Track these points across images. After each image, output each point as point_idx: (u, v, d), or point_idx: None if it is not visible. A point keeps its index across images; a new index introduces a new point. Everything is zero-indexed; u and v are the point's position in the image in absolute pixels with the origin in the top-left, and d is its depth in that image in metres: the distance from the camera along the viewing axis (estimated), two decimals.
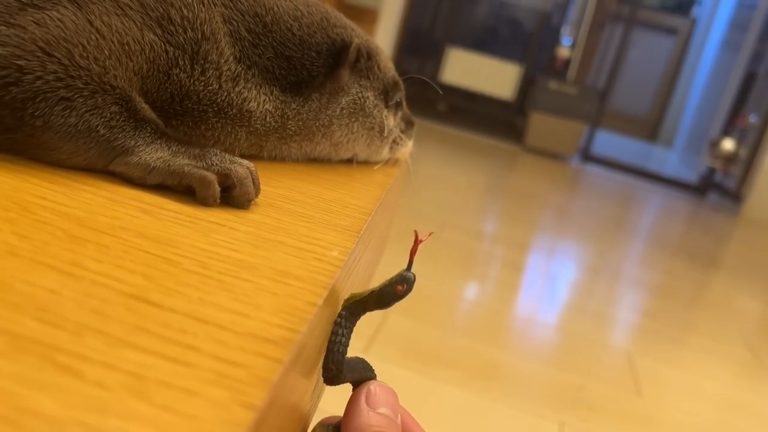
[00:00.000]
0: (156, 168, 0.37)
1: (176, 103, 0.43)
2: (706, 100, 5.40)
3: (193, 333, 0.23)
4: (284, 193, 0.42)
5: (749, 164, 3.99)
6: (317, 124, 0.49)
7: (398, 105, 0.56)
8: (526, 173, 3.83)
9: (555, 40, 4.57)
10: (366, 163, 0.55)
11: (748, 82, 4.43)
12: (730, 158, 4.14)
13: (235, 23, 0.46)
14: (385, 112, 0.54)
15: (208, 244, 0.30)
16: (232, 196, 0.37)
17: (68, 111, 0.36)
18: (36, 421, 0.17)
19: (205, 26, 0.44)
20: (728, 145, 4.15)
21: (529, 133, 4.27)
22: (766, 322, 2.17)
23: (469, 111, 4.56)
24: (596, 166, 4.36)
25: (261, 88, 0.47)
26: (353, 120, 0.51)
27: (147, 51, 0.41)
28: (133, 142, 0.38)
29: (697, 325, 1.97)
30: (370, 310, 0.31)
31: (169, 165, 0.37)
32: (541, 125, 4.22)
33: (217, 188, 0.37)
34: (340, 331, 0.30)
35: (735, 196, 4.03)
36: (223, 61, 0.44)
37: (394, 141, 0.56)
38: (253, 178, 0.38)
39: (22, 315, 0.21)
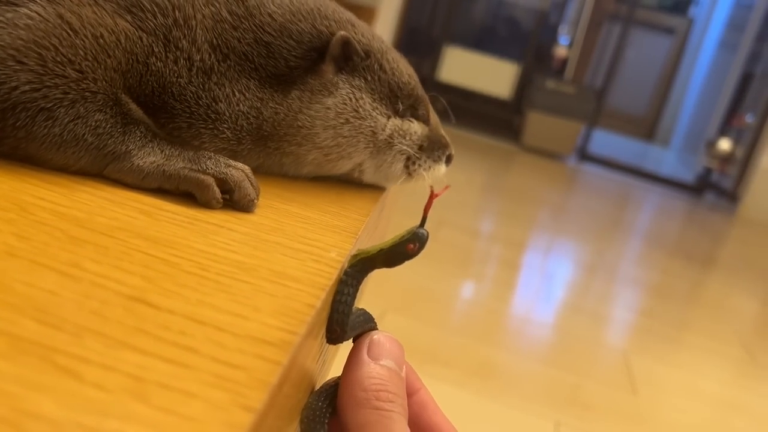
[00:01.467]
0: (151, 173, 0.36)
1: (156, 97, 0.41)
2: (703, 99, 5.41)
3: (192, 335, 0.23)
4: (282, 194, 0.42)
5: (746, 164, 4.00)
6: (297, 124, 0.44)
7: (418, 117, 0.50)
8: (523, 172, 3.83)
9: (553, 40, 4.58)
10: (378, 184, 0.50)
11: (745, 82, 4.43)
12: (726, 158, 4.15)
13: (217, 5, 0.43)
14: (394, 120, 0.48)
15: (207, 246, 0.31)
16: (233, 200, 0.37)
17: (50, 121, 0.35)
18: (36, 423, 0.17)
19: (177, 12, 0.41)
20: (725, 145, 4.16)
21: (526, 132, 4.27)
22: (762, 322, 2.18)
23: (466, 110, 4.56)
24: (593, 166, 4.36)
25: (236, 83, 0.42)
26: (342, 122, 0.45)
27: (123, 41, 0.38)
28: (124, 148, 0.37)
29: (693, 324, 1.97)
30: (378, 267, 0.29)
31: (164, 170, 0.36)
32: (538, 124, 4.22)
33: (217, 190, 0.36)
34: (345, 290, 0.29)
35: (731, 196, 4.04)
36: (194, 49, 0.41)
37: (409, 160, 0.49)
38: (250, 180, 0.37)
39: (21, 316, 0.22)
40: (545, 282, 2.08)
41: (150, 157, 0.37)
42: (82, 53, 0.36)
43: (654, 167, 4.71)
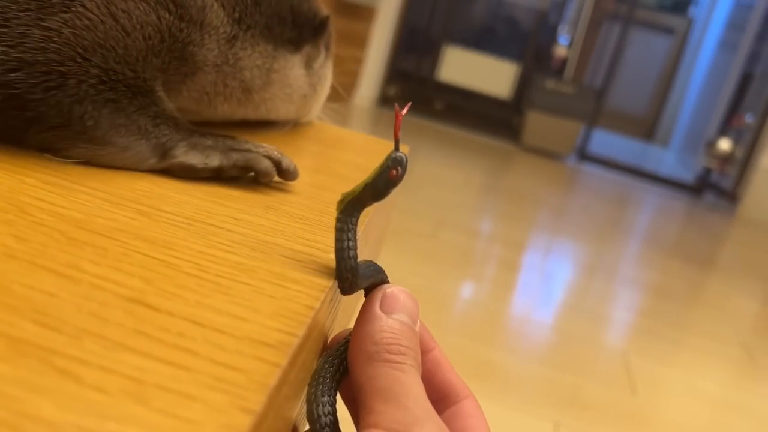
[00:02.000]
0: (210, 155, 0.40)
1: (189, 80, 0.46)
2: (703, 99, 5.41)
3: (191, 337, 0.23)
4: (281, 194, 0.42)
5: (745, 164, 4.00)
6: (296, 79, 0.54)
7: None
8: (522, 172, 3.83)
9: (552, 39, 4.58)
10: (304, 118, 0.61)
11: (745, 82, 4.43)
12: (726, 158, 4.15)
13: None
14: (331, 76, 0.61)
15: (206, 247, 0.31)
16: (282, 169, 0.42)
17: (117, 112, 0.38)
18: (35, 425, 0.17)
19: None
20: (725, 145, 4.16)
21: (525, 131, 4.27)
22: (761, 322, 2.18)
23: (466, 109, 4.56)
24: (593, 166, 4.36)
25: (258, 46, 0.50)
26: (319, 84, 0.58)
27: (167, 38, 0.42)
28: (179, 136, 0.40)
29: (692, 324, 1.98)
30: (369, 204, 0.29)
31: (219, 152, 0.41)
32: (537, 124, 4.22)
33: (270, 162, 0.41)
34: (344, 236, 0.28)
35: (731, 196, 4.04)
36: (220, 24, 0.46)
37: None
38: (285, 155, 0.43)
39: (20, 318, 0.22)
40: (545, 282, 2.08)
41: (201, 144, 0.41)
42: (134, 54, 0.39)
43: (653, 167, 4.71)
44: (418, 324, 0.28)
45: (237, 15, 0.47)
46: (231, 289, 0.27)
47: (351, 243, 0.28)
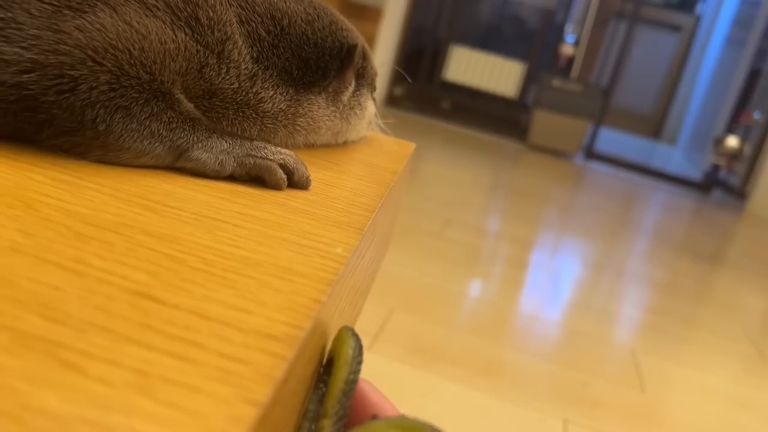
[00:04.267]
0: (224, 161, 0.40)
1: (206, 100, 0.45)
2: (710, 97, 5.39)
3: (197, 330, 0.23)
4: (288, 190, 0.42)
5: (753, 161, 3.98)
6: (324, 119, 0.53)
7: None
8: (529, 171, 3.82)
9: (559, 38, 4.57)
10: (346, 142, 0.60)
11: (753, 79, 4.41)
12: (734, 155, 4.13)
13: (253, 24, 0.47)
14: (371, 101, 0.59)
15: (212, 241, 0.30)
16: (293, 181, 0.42)
17: (128, 118, 0.38)
18: (40, 418, 0.17)
19: (227, 27, 0.45)
20: (732, 142, 4.14)
21: (532, 130, 4.27)
22: None
23: (472, 109, 4.56)
24: (600, 164, 4.35)
25: (278, 87, 0.49)
26: (353, 114, 0.56)
27: (183, 50, 0.42)
28: (195, 138, 0.40)
29: (701, 322, 1.97)
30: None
31: (234, 158, 0.41)
32: (544, 123, 4.21)
33: (282, 173, 0.41)
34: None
35: (739, 194, 4.02)
36: (242, 60, 0.46)
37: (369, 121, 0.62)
38: (301, 163, 0.43)
39: (26, 312, 0.21)
40: (552, 280, 2.07)
41: (218, 147, 0.41)
42: (151, 56, 0.39)
43: (661, 165, 4.69)
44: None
45: (255, 54, 0.47)
46: (237, 283, 0.27)
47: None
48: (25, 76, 0.35)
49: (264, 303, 0.26)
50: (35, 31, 0.36)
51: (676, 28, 6.18)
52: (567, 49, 4.54)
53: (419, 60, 4.60)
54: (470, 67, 4.47)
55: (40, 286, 0.23)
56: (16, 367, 0.19)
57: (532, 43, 4.54)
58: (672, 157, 5.53)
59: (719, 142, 4.23)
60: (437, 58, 4.53)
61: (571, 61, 4.55)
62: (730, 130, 4.37)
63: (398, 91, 4.48)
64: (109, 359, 0.20)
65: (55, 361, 0.20)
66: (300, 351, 0.23)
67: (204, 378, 0.20)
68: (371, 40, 3.95)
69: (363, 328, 0.31)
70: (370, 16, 3.94)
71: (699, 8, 6.23)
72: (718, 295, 2.31)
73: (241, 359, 0.22)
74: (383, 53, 4.15)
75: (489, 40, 4.66)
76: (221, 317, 0.24)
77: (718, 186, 4.27)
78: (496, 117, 4.54)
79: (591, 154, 4.37)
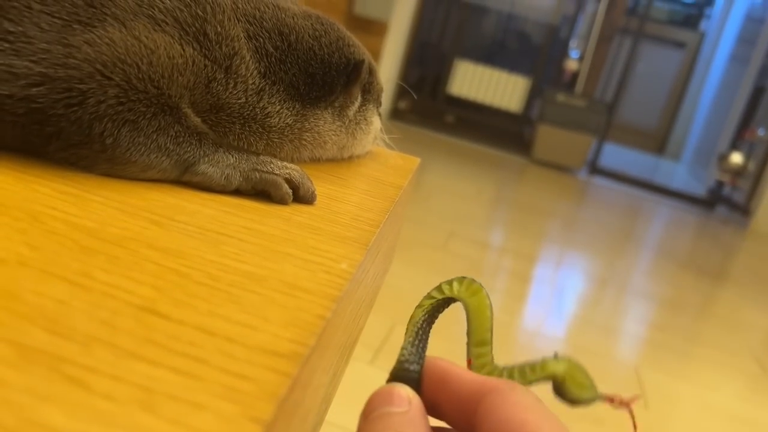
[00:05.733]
0: (230, 175, 0.41)
1: (213, 115, 0.45)
2: (715, 113, 5.39)
3: (202, 346, 0.23)
4: (294, 205, 0.42)
5: (758, 178, 3.97)
6: (329, 134, 0.53)
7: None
8: (533, 185, 3.82)
9: (563, 53, 4.58)
10: (351, 156, 0.60)
11: (757, 95, 4.41)
12: (738, 172, 4.12)
13: (261, 40, 0.48)
14: (377, 116, 0.59)
15: (218, 256, 0.30)
16: (299, 196, 0.42)
17: (135, 131, 0.38)
18: None
19: (235, 42, 0.46)
20: (737, 158, 4.13)
21: (536, 145, 4.27)
22: None
23: (476, 123, 4.56)
24: (604, 179, 4.35)
25: (285, 102, 0.49)
26: (358, 129, 0.56)
27: (191, 65, 0.42)
28: (201, 152, 0.41)
29: (705, 338, 1.96)
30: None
31: (240, 172, 0.41)
32: (548, 137, 4.22)
33: (288, 188, 0.41)
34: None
35: (743, 210, 4.01)
36: (249, 75, 0.46)
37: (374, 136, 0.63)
38: (307, 177, 0.43)
39: (32, 326, 0.21)
40: (556, 295, 2.07)
41: (224, 162, 0.41)
42: (159, 71, 0.39)
43: (665, 181, 4.69)
44: (402, 403, 0.27)
45: (263, 69, 0.47)
46: (242, 299, 0.27)
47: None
48: (35, 89, 0.36)
49: (269, 319, 0.25)
50: (45, 45, 0.37)
51: (680, 45, 6.19)
52: (571, 64, 4.55)
53: (424, 74, 4.61)
54: (475, 81, 4.49)
55: (45, 299, 0.23)
56: (21, 382, 0.19)
57: (536, 58, 4.55)
58: (676, 173, 5.52)
59: (723, 158, 4.23)
60: (442, 72, 4.55)
61: (575, 76, 4.56)
62: (734, 146, 4.37)
63: (403, 104, 4.49)
64: (113, 375, 0.20)
65: (59, 376, 0.19)
66: (305, 368, 0.23)
67: (208, 395, 0.20)
68: (377, 53, 3.97)
69: (365, 341, 0.31)
70: (376, 30, 3.96)
71: (703, 25, 6.24)
72: (722, 312, 2.30)
73: (246, 376, 0.21)
74: (388, 67, 4.16)
75: (493, 55, 4.67)
76: (226, 333, 0.24)
77: (723, 202, 4.27)
78: (500, 131, 4.55)
79: (595, 169, 4.37)
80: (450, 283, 0.32)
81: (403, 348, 0.30)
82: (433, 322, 0.32)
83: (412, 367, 0.29)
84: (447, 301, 0.32)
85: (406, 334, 0.31)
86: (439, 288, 0.32)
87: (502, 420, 0.25)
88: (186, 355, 0.22)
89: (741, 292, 2.57)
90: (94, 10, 0.39)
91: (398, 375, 0.28)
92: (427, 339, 0.31)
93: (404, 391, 0.27)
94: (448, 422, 0.29)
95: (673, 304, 2.22)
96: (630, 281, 2.39)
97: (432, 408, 0.28)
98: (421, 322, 0.31)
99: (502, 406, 0.26)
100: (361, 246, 0.37)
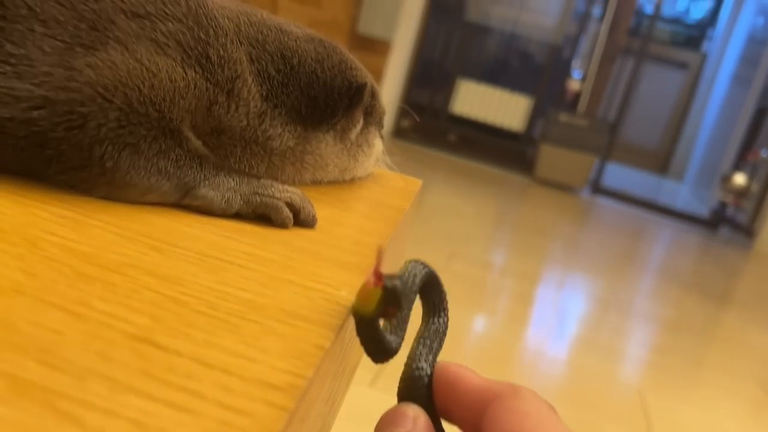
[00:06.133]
0: (230, 199, 0.40)
1: (214, 138, 0.45)
2: (717, 134, 5.40)
3: (199, 378, 0.22)
4: (295, 229, 0.42)
5: (761, 199, 3.97)
6: (331, 156, 0.53)
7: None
8: (536, 205, 3.82)
9: (565, 73, 4.60)
10: (353, 179, 0.60)
11: (759, 117, 4.42)
12: (742, 193, 4.12)
13: (263, 63, 0.48)
14: (379, 139, 0.59)
15: (217, 283, 0.30)
16: (300, 219, 0.42)
17: (136, 155, 0.38)
18: None
19: (237, 65, 0.46)
20: (740, 179, 4.13)
21: (539, 164, 4.27)
22: None
23: (479, 142, 4.57)
24: (607, 199, 4.34)
25: (287, 125, 0.49)
26: (360, 151, 0.55)
27: (192, 88, 0.42)
28: (202, 176, 0.40)
29: (708, 361, 1.94)
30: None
31: (241, 196, 0.41)
32: (551, 157, 4.22)
33: (288, 212, 0.41)
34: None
35: (747, 231, 4.00)
36: (251, 98, 0.46)
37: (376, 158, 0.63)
38: (308, 201, 0.43)
39: (25, 357, 0.21)
40: (558, 316, 2.06)
41: (224, 185, 0.41)
42: (161, 94, 0.39)
43: (668, 201, 4.68)
44: (407, 423, 0.28)
45: (265, 92, 0.47)
46: (241, 328, 0.26)
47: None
48: (36, 112, 0.36)
49: (267, 350, 0.25)
50: (47, 68, 0.37)
51: (682, 66, 6.21)
52: (574, 84, 4.56)
53: (427, 92, 4.63)
54: (477, 100, 4.50)
55: (40, 329, 0.23)
56: (12, 418, 0.18)
57: (539, 78, 4.57)
58: (679, 194, 5.52)
59: (726, 179, 4.23)
60: (445, 91, 4.57)
61: (578, 96, 4.58)
62: (737, 167, 4.37)
63: (405, 123, 4.51)
64: (107, 409, 0.20)
65: (52, 411, 0.19)
66: (302, 401, 0.23)
67: (204, 431, 0.20)
68: (380, 72, 3.99)
69: (366, 363, 0.31)
70: (379, 49, 3.98)
71: (705, 46, 6.27)
72: (725, 334, 2.29)
73: (242, 411, 0.21)
74: (391, 85, 4.18)
75: (496, 75, 4.69)
76: (223, 365, 0.23)
77: (726, 223, 4.26)
78: (503, 150, 4.55)
79: (598, 188, 4.37)
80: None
81: (411, 350, 0.30)
82: (438, 322, 0.33)
83: (419, 373, 0.29)
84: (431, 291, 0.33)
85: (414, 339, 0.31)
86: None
87: (504, 430, 0.26)
88: (182, 388, 0.22)
89: (745, 314, 2.55)
90: (97, 33, 0.39)
91: (408, 379, 0.29)
92: (435, 340, 0.31)
93: (411, 410, 0.28)
94: (459, 426, 0.29)
95: (676, 326, 2.21)
96: (633, 303, 2.38)
97: (444, 412, 0.29)
98: (426, 323, 0.32)
99: (505, 414, 0.26)
100: (361, 272, 0.37)
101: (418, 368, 0.29)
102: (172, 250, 0.33)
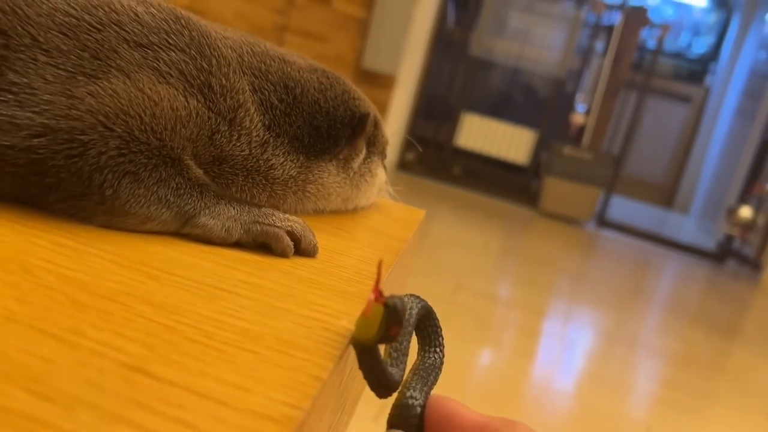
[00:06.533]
0: (230, 228, 0.40)
1: (216, 166, 0.45)
2: (722, 167, 5.40)
3: (192, 408, 0.22)
4: (295, 258, 0.41)
5: None
6: (333, 185, 0.52)
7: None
8: (541, 237, 3.81)
9: (569, 107, 4.62)
10: (356, 208, 0.59)
11: (763, 150, 4.42)
12: (748, 226, 4.10)
13: (266, 93, 0.48)
14: (382, 169, 0.59)
15: (213, 312, 0.30)
16: (300, 249, 0.42)
17: (136, 183, 0.38)
18: None
19: (240, 95, 0.46)
20: (746, 212, 4.12)
21: (544, 197, 4.27)
22: None
23: (484, 175, 4.58)
24: (612, 232, 4.33)
25: (289, 155, 0.49)
26: (363, 181, 0.55)
27: (194, 117, 0.42)
28: (202, 204, 0.40)
29: (717, 395, 1.91)
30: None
31: (241, 224, 0.41)
32: (555, 189, 4.22)
33: (289, 240, 0.41)
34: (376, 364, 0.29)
35: (754, 264, 3.98)
36: (253, 127, 0.46)
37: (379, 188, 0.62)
38: (309, 230, 0.43)
39: (12, 386, 0.21)
40: (564, 350, 2.03)
41: (225, 214, 0.41)
42: (162, 122, 0.39)
43: (674, 234, 4.66)
44: None
45: (267, 122, 0.47)
46: (236, 357, 0.26)
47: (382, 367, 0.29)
48: (36, 140, 0.36)
49: (262, 380, 0.24)
50: (48, 96, 0.37)
51: (686, 99, 6.24)
52: (578, 117, 4.58)
53: (431, 126, 4.65)
54: (481, 133, 4.52)
55: (30, 358, 0.22)
56: None
57: (542, 112, 4.59)
58: (685, 227, 5.50)
59: (732, 212, 4.21)
60: (449, 125, 4.59)
61: (582, 129, 4.59)
62: (743, 200, 4.36)
63: (410, 156, 4.52)
64: None
65: None
66: None
67: None
68: (385, 106, 4.01)
69: (368, 397, 0.30)
70: (384, 83, 4.01)
71: (708, 80, 6.30)
72: (734, 369, 2.25)
73: None
74: (396, 119, 4.21)
75: (500, 108, 4.71)
76: (217, 395, 0.23)
77: (733, 256, 4.23)
78: (507, 183, 4.56)
79: (603, 221, 4.36)
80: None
81: (405, 380, 0.30)
82: (433, 357, 0.33)
83: (412, 402, 0.29)
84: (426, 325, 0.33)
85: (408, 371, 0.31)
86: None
87: None
88: (173, 418, 0.21)
89: (753, 348, 2.52)
90: (99, 62, 0.40)
91: (400, 407, 0.29)
92: (431, 374, 0.31)
93: None
94: None
95: (683, 360, 2.18)
96: (639, 336, 2.35)
97: None
98: (421, 357, 0.32)
99: None
100: (362, 301, 0.36)
101: (411, 397, 0.29)
102: (169, 278, 0.32)
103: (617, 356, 2.08)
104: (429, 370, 0.31)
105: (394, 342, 0.30)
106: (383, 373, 0.28)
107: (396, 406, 0.29)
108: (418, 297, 0.33)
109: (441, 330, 0.34)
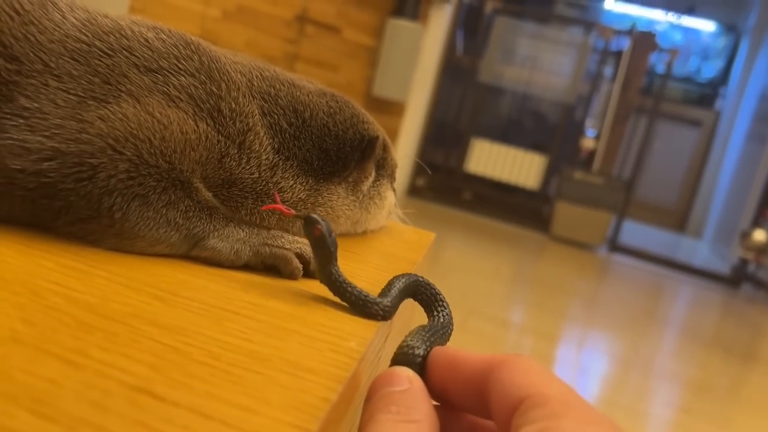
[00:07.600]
0: (239, 250, 0.40)
1: (225, 189, 0.45)
2: (734, 191, 5.36)
3: (196, 430, 0.21)
4: (303, 280, 0.41)
5: None
6: (343, 208, 0.52)
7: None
8: (553, 262, 3.79)
9: (579, 132, 4.62)
10: (365, 231, 0.60)
11: None
12: (762, 249, 4.06)
13: (275, 116, 0.48)
14: (391, 192, 0.59)
15: (220, 333, 0.29)
16: (310, 271, 0.41)
17: (145, 206, 0.38)
18: None
19: (249, 118, 0.46)
20: (760, 236, 4.08)
21: (555, 222, 4.25)
22: None
23: (494, 200, 4.57)
24: (624, 256, 4.30)
25: (298, 178, 0.49)
26: (372, 204, 0.55)
27: (204, 140, 0.42)
28: (211, 227, 0.40)
29: (734, 422, 1.88)
30: (332, 261, 0.35)
31: (250, 247, 0.41)
32: (567, 214, 4.21)
33: (298, 263, 0.41)
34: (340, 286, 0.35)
35: None
36: (263, 150, 0.47)
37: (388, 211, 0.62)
38: None
39: (17, 407, 0.20)
40: (578, 376, 2.01)
41: (234, 237, 0.41)
42: (171, 146, 0.40)
43: (687, 258, 4.62)
44: (402, 382, 0.28)
45: (277, 145, 0.48)
46: (243, 379, 0.25)
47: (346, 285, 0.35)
48: (46, 164, 0.36)
49: (269, 401, 0.24)
50: (59, 120, 0.37)
51: (696, 123, 6.23)
52: (588, 142, 4.58)
53: (441, 152, 4.66)
54: (491, 159, 4.52)
55: (35, 379, 0.22)
56: None
57: (552, 137, 4.59)
58: (698, 251, 5.46)
59: (746, 236, 4.18)
60: (459, 151, 4.60)
61: (592, 154, 4.59)
62: (756, 223, 4.32)
63: (420, 181, 4.53)
64: None
65: None
66: None
67: None
68: (395, 133, 4.03)
69: None
70: (394, 110, 4.03)
71: (718, 104, 6.29)
72: (752, 394, 2.22)
73: None
74: (406, 146, 4.22)
75: (510, 134, 4.72)
76: (223, 416, 0.22)
77: (748, 280, 4.18)
78: (518, 208, 4.55)
79: (615, 246, 4.33)
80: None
81: (405, 336, 0.31)
82: (437, 317, 0.36)
83: (413, 351, 0.30)
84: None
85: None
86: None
87: (512, 386, 0.26)
88: None
89: None
90: (110, 86, 0.40)
91: (400, 354, 0.30)
92: (436, 333, 0.32)
93: (404, 372, 0.29)
94: (456, 405, 0.30)
95: (700, 386, 2.15)
96: (655, 362, 2.32)
97: (440, 394, 0.29)
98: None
99: (510, 373, 0.27)
100: (371, 323, 0.36)
101: (409, 345, 0.30)
102: (176, 300, 0.32)
103: (632, 382, 2.05)
104: (433, 329, 0.32)
105: (332, 250, 0.34)
106: (353, 292, 0.34)
107: (397, 353, 0.30)
108: (408, 274, 0.37)
109: (441, 295, 0.37)
